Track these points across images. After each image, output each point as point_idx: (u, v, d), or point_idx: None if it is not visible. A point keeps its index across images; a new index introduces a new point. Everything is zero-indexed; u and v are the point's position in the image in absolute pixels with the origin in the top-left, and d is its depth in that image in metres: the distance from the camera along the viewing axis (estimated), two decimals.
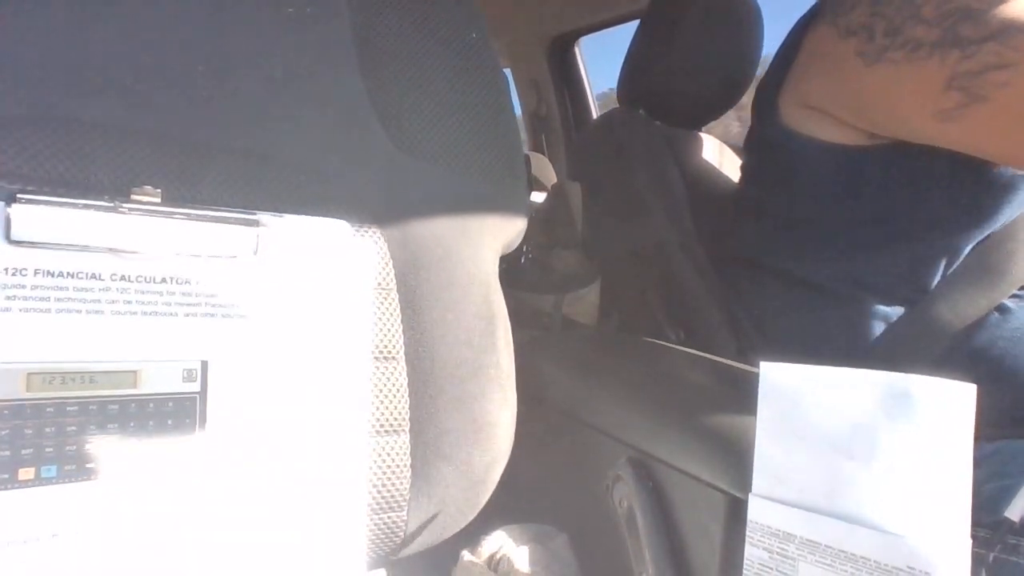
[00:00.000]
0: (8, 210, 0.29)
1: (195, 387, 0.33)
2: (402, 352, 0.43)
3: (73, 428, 0.30)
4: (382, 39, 0.47)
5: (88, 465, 0.30)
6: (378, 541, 0.41)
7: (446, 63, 0.50)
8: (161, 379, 0.32)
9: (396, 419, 0.41)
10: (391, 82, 0.46)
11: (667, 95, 0.80)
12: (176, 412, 0.32)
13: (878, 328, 0.55)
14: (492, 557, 0.42)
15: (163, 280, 0.32)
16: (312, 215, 0.40)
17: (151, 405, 0.32)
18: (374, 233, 0.43)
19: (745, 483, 0.37)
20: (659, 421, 0.43)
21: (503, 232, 0.50)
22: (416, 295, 0.45)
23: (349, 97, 0.44)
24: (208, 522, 0.33)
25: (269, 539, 0.34)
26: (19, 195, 0.29)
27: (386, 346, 0.42)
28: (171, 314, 0.33)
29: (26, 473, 0.29)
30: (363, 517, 0.38)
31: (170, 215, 0.33)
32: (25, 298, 0.29)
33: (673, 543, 0.40)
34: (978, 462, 0.39)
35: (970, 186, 0.51)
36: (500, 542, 0.42)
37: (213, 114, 0.39)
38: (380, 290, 0.43)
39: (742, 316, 0.62)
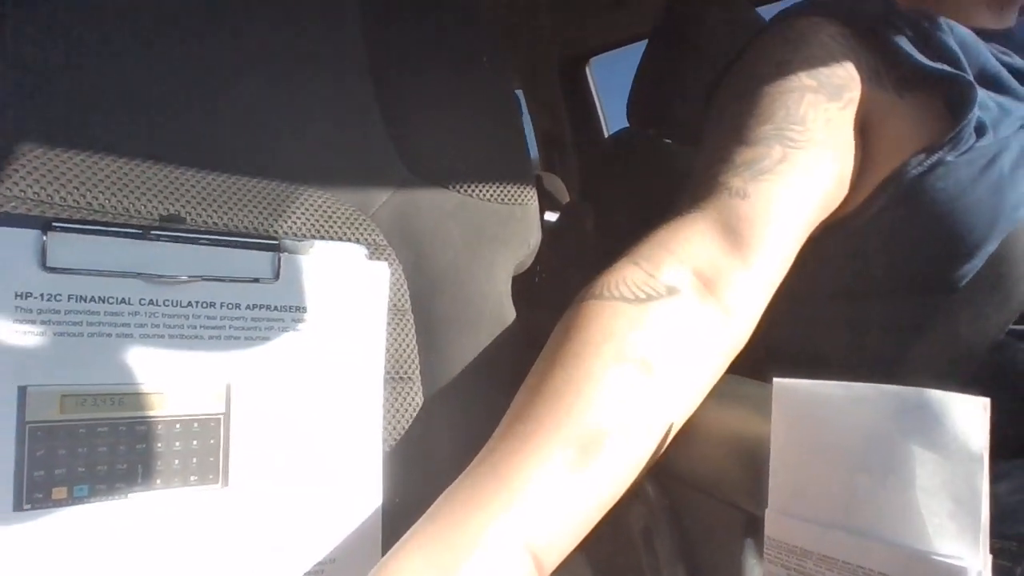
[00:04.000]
0: (44, 238, 0.30)
1: (220, 408, 0.34)
2: (417, 373, 0.44)
3: (104, 449, 0.31)
4: (397, 71, 0.48)
5: (118, 484, 0.31)
6: None
7: (460, 89, 0.51)
8: (187, 400, 0.33)
9: (410, 438, 0.42)
10: (406, 110, 0.48)
11: (676, 114, 0.81)
12: (201, 433, 0.33)
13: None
14: None
15: (189, 304, 0.34)
16: (331, 239, 0.41)
17: (177, 426, 0.33)
18: (390, 256, 0.44)
19: (761, 499, 0.37)
20: (677, 438, 0.43)
21: (515, 252, 0.51)
22: (431, 316, 0.46)
23: (366, 125, 0.46)
24: (233, 536, 0.33)
25: (291, 553, 0.35)
26: (54, 224, 0.30)
27: (401, 367, 0.43)
28: (197, 336, 0.34)
29: (59, 492, 0.30)
30: (379, 533, 0.39)
31: (195, 241, 0.34)
32: (59, 322, 0.30)
33: (691, 562, 0.40)
34: (1001, 475, 0.38)
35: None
36: None
37: (237, 143, 0.40)
38: (395, 312, 0.44)
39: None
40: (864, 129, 0.46)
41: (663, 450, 0.37)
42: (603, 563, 0.44)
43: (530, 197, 0.52)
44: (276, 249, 0.36)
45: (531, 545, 0.30)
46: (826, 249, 0.47)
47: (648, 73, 0.84)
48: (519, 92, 1.70)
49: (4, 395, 0.29)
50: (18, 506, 0.29)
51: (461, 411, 0.45)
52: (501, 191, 0.50)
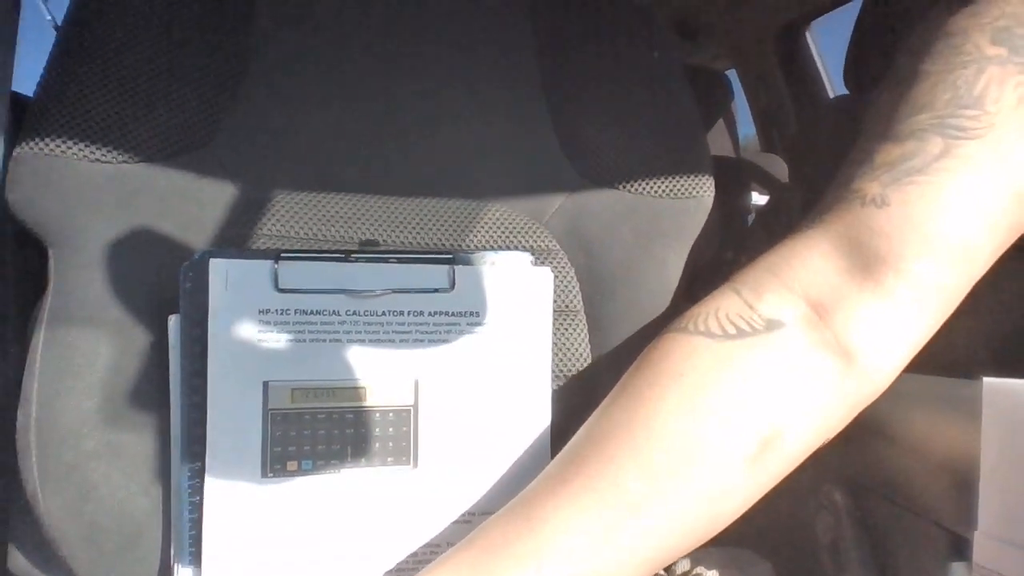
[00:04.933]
0: (276, 266, 0.39)
1: (410, 400, 0.40)
2: (588, 371, 0.46)
3: (322, 432, 0.39)
4: (568, 77, 0.51)
5: (333, 461, 0.38)
6: None
7: (629, 86, 0.52)
8: (384, 394, 0.40)
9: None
10: (576, 114, 0.50)
11: None
12: (395, 421, 0.40)
13: None
14: (685, 575, 0.42)
15: (383, 313, 0.40)
16: (506, 248, 0.45)
17: (377, 415, 0.39)
18: (561, 260, 0.47)
19: (970, 519, 0.32)
20: (868, 443, 0.39)
21: (691, 252, 0.50)
22: (602, 317, 0.47)
23: (538, 134, 0.49)
24: (422, 509, 0.39)
25: (474, 525, 0.40)
26: (282, 255, 0.39)
27: (573, 366, 0.46)
28: (390, 340, 0.40)
29: (292, 465, 0.38)
30: None
31: (386, 260, 0.41)
32: (289, 331, 0.39)
33: None
34: None
35: None
36: (692, 562, 0.42)
37: (425, 170, 0.46)
38: (567, 313, 0.46)
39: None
40: None
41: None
42: (787, 573, 0.42)
43: (706, 189, 0.51)
44: (451, 262, 0.42)
45: None
46: None
47: (865, 31, 0.75)
48: (731, 72, 1.61)
49: (253, 388, 0.38)
50: (264, 474, 0.37)
51: None
52: (673, 186, 0.50)
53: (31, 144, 0.39)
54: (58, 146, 0.39)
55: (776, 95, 1.40)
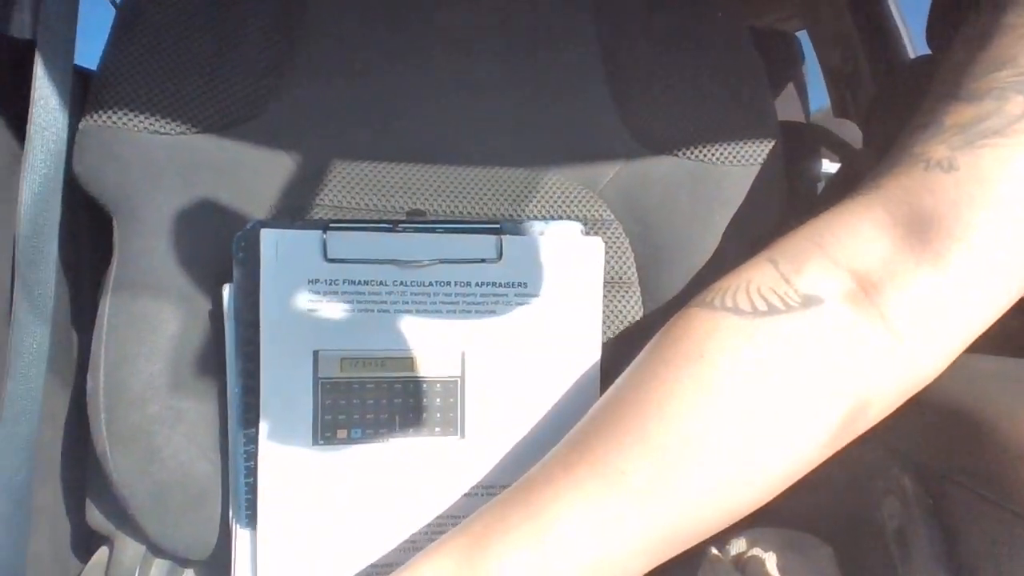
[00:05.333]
0: (324, 236, 0.39)
1: (457, 371, 0.40)
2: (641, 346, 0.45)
3: (371, 401, 0.39)
4: (626, 42, 0.49)
5: (381, 430, 0.39)
6: None
7: (690, 49, 0.49)
8: (432, 364, 0.40)
9: None
10: (634, 79, 0.48)
11: None
12: (442, 392, 0.40)
13: None
14: (740, 557, 0.41)
15: (430, 284, 0.40)
16: (558, 218, 0.44)
17: (424, 385, 0.39)
18: (616, 230, 0.45)
19: None
20: (943, 425, 0.36)
21: (752, 221, 0.47)
22: (657, 288, 0.46)
23: (595, 101, 0.47)
24: (469, 479, 0.39)
25: None
26: (330, 224, 0.39)
27: (625, 339, 0.44)
28: (437, 312, 0.40)
29: (341, 433, 0.38)
30: None
31: (433, 230, 0.41)
32: (338, 301, 0.39)
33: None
34: None
35: None
36: (750, 543, 0.41)
37: (476, 139, 0.45)
38: (619, 284, 0.45)
39: None
40: None
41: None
42: (850, 561, 0.40)
43: (771, 156, 0.48)
44: (498, 232, 0.41)
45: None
46: None
47: None
48: (801, 34, 1.52)
49: (304, 357, 0.38)
50: (315, 441, 0.38)
51: None
52: (736, 152, 0.47)
53: (95, 116, 0.40)
54: (120, 118, 0.41)
55: (851, 56, 1.31)
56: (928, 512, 0.36)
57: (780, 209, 0.49)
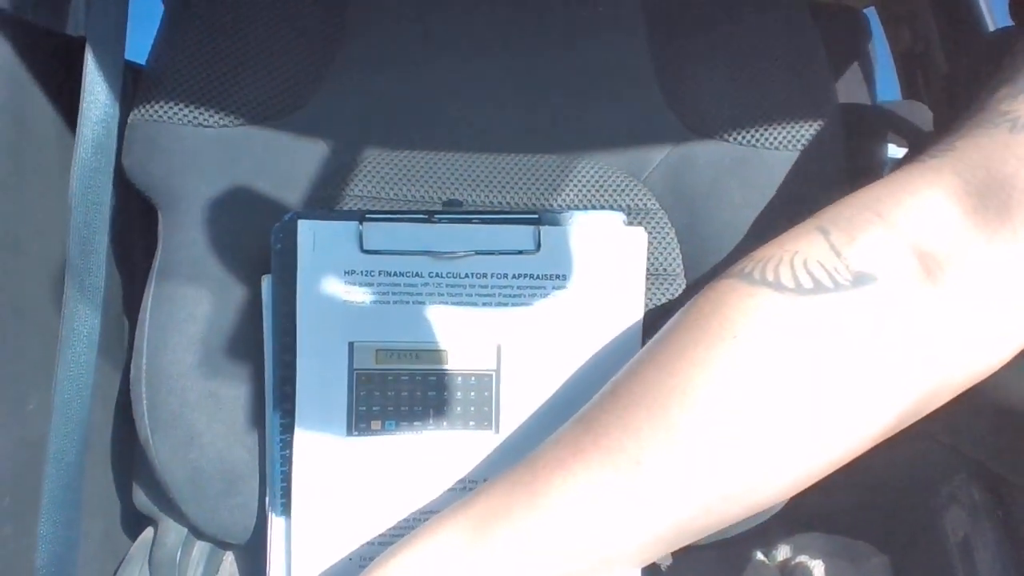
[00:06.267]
0: (360, 227, 0.39)
1: (492, 365, 0.39)
2: None
3: (405, 393, 0.39)
4: (672, 15, 0.46)
5: (415, 422, 0.39)
6: None
7: (742, 28, 0.47)
8: (467, 357, 0.39)
9: None
10: (682, 62, 0.46)
11: None
12: (477, 386, 0.39)
13: None
14: (785, 563, 0.39)
15: (465, 276, 0.39)
16: (600, 208, 0.43)
17: (459, 379, 0.39)
18: (661, 220, 0.44)
19: None
20: (1015, 430, 0.33)
21: (807, 210, 0.44)
22: (704, 281, 0.43)
23: (641, 85, 0.45)
24: (500, 472, 0.38)
25: None
26: (367, 216, 0.39)
27: None
28: (472, 303, 0.39)
29: (376, 424, 0.38)
30: None
31: (469, 221, 0.40)
32: (374, 293, 0.39)
33: None
34: None
35: None
36: (797, 549, 0.39)
37: (510, 127, 0.44)
38: (664, 276, 0.43)
39: None
40: None
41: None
42: (906, 572, 0.38)
43: (830, 139, 0.45)
44: (536, 223, 0.40)
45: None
46: None
47: None
48: (869, 11, 1.44)
49: (339, 348, 0.38)
50: (350, 431, 0.38)
51: None
52: (791, 136, 0.45)
53: (142, 111, 0.41)
54: (166, 112, 0.41)
55: (923, 32, 1.23)
56: (997, 524, 0.33)
57: (839, 196, 0.46)
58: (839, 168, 0.45)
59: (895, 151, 0.88)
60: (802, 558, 0.38)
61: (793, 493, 0.27)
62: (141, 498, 0.44)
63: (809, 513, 0.43)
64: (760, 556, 0.40)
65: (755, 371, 0.25)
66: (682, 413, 0.25)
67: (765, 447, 0.25)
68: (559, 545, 0.25)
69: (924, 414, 0.26)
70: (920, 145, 0.81)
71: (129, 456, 0.44)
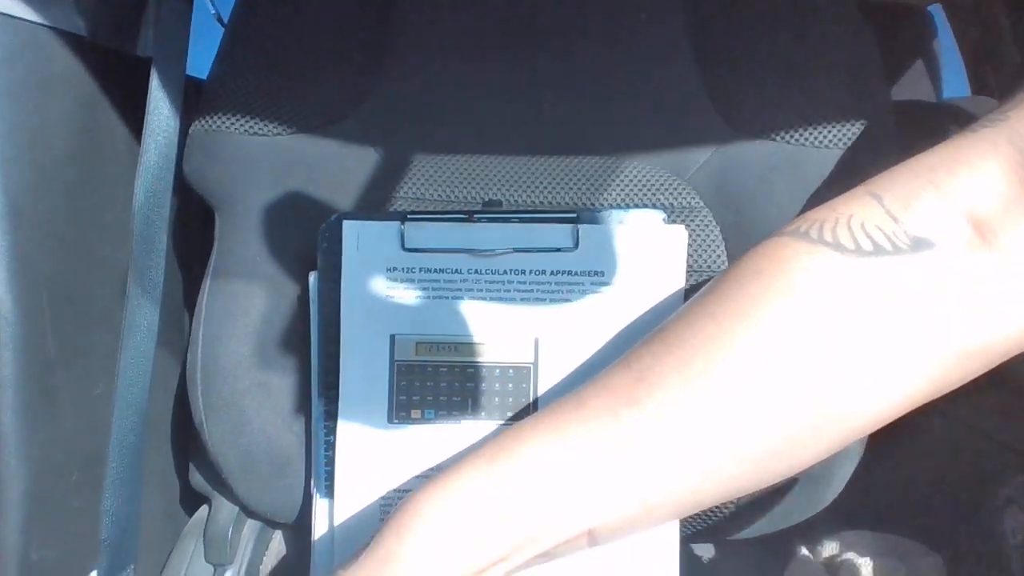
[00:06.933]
0: (402, 227, 0.40)
1: (530, 358, 0.40)
2: None
3: (444, 384, 0.40)
4: (716, 11, 0.46)
5: (454, 413, 0.39)
6: (704, 516, 0.42)
7: (786, 20, 0.46)
8: (505, 351, 0.40)
9: None
10: (723, 55, 0.45)
11: None
12: (515, 378, 0.39)
13: None
14: (832, 559, 0.38)
15: (504, 272, 0.40)
16: (643, 207, 0.43)
17: (497, 371, 0.40)
18: (705, 218, 0.43)
19: None
20: None
21: None
22: None
23: (684, 83, 0.45)
24: None
25: None
26: (408, 216, 0.40)
27: None
28: (511, 300, 0.40)
29: (415, 414, 0.39)
30: None
31: (508, 220, 0.40)
32: (414, 289, 0.40)
33: None
34: None
35: None
36: (844, 546, 0.38)
37: (550, 127, 0.45)
38: (708, 275, 0.43)
39: None
40: None
41: None
42: (963, 573, 0.36)
43: (881, 137, 0.44)
44: (575, 221, 0.40)
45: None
46: None
47: None
48: (935, 8, 1.38)
49: (381, 341, 0.40)
50: (391, 420, 0.39)
51: None
52: (839, 134, 0.43)
53: (201, 122, 0.44)
54: (223, 123, 0.44)
55: (993, 25, 1.17)
56: None
57: None
58: (893, 165, 0.44)
59: None
60: (849, 555, 0.37)
61: (831, 453, 0.26)
62: (197, 478, 0.46)
63: (858, 512, 0.42)
64: (805, 552, 0.39)
65: (810, 326, 0.24)
66: (736, 383, 0.25)
67: (819, 404, 0.25)
68: (574, 503, 0.26)
69: (977, 374, 0.26)
70: None
71: (186, 439, 0.47)
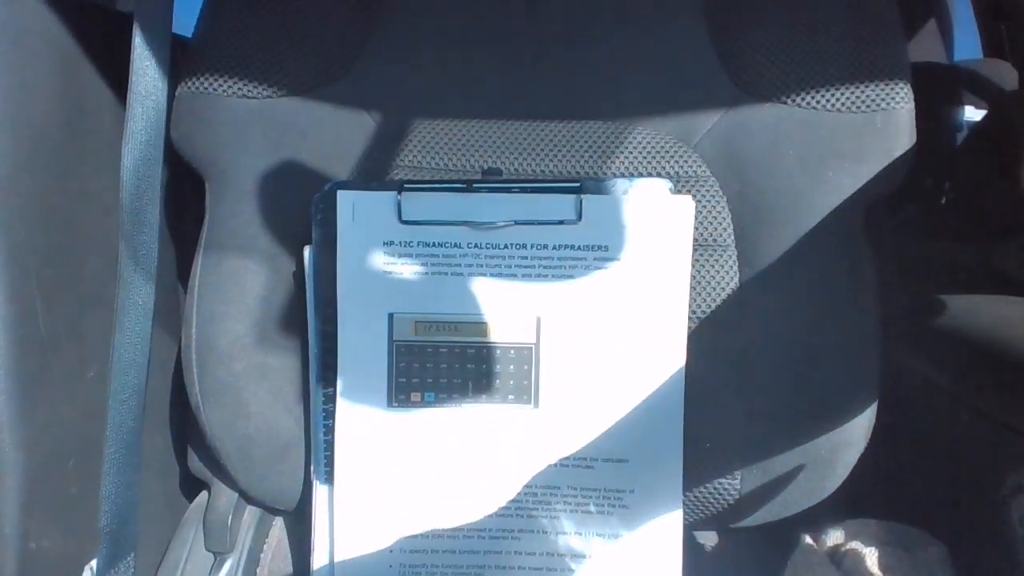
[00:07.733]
0: (399, 197, 0.38)
1: (532, 338, 0.38)
2: (739, 314, 0.41)
3: (444, 366, 0.38)
4: None
5: (454, 395, 0.38)
6: (707, 503, 0.41)
7: None
8: (506, 330, 0.39)
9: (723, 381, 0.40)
10: (736, 18, 0.43)
11: None
12: (516, 359, 0.38)
13: None
14: (836, 548, 0.37)
15: (505, 246, 0.38)
16: (647, 175, 0.41)
17: (498, 351, 0.38)
18: (711, 187, 0.41)
19: None
20: None
21: (872, 177, 0.41)
22: (757, 252, 0.41)
23: (692, 45, 0.43)
24: (542, 450, 0.38)
25: (596, 468, 0.38)
26: (405, 186, 0.38)
27: (717, 307, 0.41)
28: (512, 275, 0.38)
29: (415, 397, 0.38)
30: (679, 460, 0.39)
31: (508, 190, 0.39)
32: (413, 264, 0.39)
33: None
34: None
35: None
36: (849, 535, 0.37)
37: (552, 91, 0.43)
38: (714, 247, 0.41)
39: None
40: None
41: None
42: (965, 563, 0.35)
43: (898, 100, 0.41)
44: (578, 191, 0.38)
45: None
46: None
47: None
48: None
49: (379, 319, 0.38)
50: (390, 403, 0.38)
51: (786, 358, 0.41)
52: (854, 97, 0.41)
53: (188, 84, 0.42)
54: (211, 84, 0.42)
55: None
56: None
57: (908, 163, 0.43)
58: (908, 131, 0.42)
59: (972, 113, 0.82)
60: (854, 544, 0.36)
61: None
62: (196, 463, 0.45)
63: (863, 500, 0.41)
64: (808, 540, 0.38)
65: None
66: None
67: None
68: None
69: None
70: (1000, 105, 0.75)
71: (185, 422, 0.46)
